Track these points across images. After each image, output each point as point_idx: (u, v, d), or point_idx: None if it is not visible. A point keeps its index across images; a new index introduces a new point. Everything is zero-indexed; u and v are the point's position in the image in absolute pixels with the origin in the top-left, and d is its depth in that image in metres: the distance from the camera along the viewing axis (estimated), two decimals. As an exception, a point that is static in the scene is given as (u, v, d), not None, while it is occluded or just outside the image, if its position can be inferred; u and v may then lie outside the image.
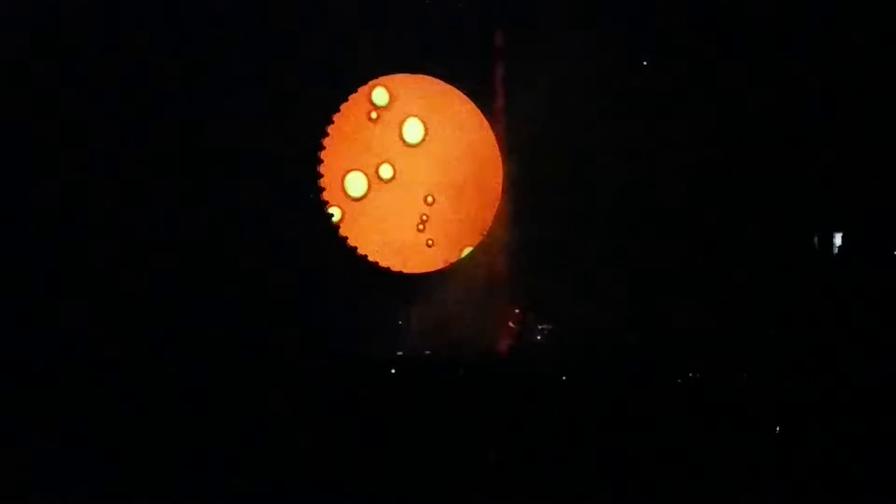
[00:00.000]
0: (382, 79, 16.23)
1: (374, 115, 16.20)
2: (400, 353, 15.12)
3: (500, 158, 16.82)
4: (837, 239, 15.54)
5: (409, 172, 16.44)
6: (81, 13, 13.89)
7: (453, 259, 16.53)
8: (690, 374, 12.68)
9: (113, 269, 13.72)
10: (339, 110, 16.05)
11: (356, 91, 16.14)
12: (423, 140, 16.56)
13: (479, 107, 16.74)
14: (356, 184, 16.16)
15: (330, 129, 15.98)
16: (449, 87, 16.68)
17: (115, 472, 9.85)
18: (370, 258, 16.14)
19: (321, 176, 15.91)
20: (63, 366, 12.15)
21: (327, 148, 15.98)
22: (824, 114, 15.10)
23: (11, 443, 10.36)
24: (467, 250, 16.58)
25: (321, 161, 15.92)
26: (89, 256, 13.63)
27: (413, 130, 16.50)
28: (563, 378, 12.93)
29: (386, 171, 16.30)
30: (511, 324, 15.75)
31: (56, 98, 13.85)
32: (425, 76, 16.55)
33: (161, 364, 11.94)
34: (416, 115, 16.50)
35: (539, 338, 15.89)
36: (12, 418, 10.87)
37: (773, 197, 15.45)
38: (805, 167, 15.29)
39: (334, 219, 15.89)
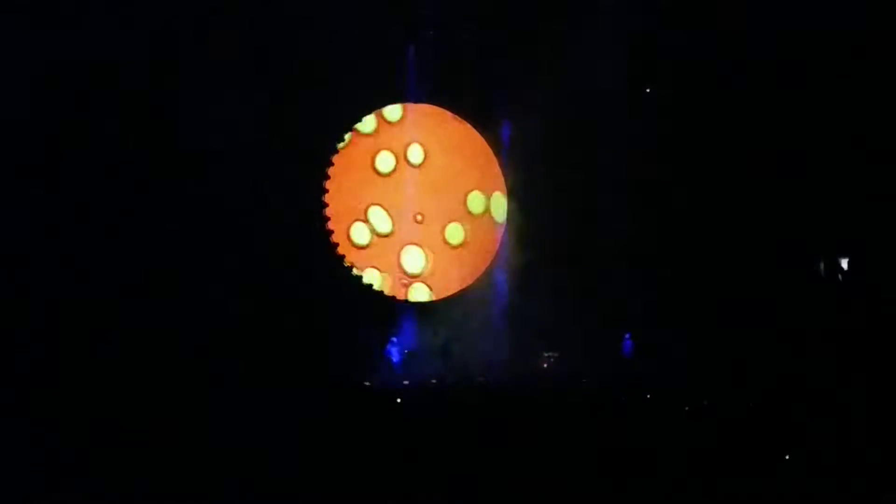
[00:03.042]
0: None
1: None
2: (406, 381, 15.11)
3: (503, 186, 16.93)
4: (842, 265, 15.56)
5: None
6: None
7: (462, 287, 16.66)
8: (698, 401, 12.63)
9: (113, 292, 13.76)
10: (343, 139, 16.18)
11: (360, 120, 16.29)
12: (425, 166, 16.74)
13: (482, 135, 16.90)
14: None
15: (335, 159, 16.10)
16: (453, 116, 16.84)
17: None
18: (375, 287, 16.20)
19: (326, 206, 16.00)
20: (55, 374, 12.26)
21: (332, 178, 16.09)
22: (829, 138, 15.15)
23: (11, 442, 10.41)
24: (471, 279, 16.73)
25: (326, 191, 16.00)
26: (88, 280, 13.68)
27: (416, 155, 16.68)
28: (571, 405, 12.89)
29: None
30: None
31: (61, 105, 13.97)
32: (429, 105, 16.73)
33: (163, 391, 11.93)
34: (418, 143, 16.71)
35: (545, 365, 15.89)
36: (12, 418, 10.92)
37: (778, 224, 15.47)
38: (810, 193, 15.32)
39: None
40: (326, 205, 15.98)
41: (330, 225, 16.02)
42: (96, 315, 13.61)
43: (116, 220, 14.11)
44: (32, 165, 13.77)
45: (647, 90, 16.40)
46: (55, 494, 9.67)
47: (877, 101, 14.82)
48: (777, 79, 15.31)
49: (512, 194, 16.83)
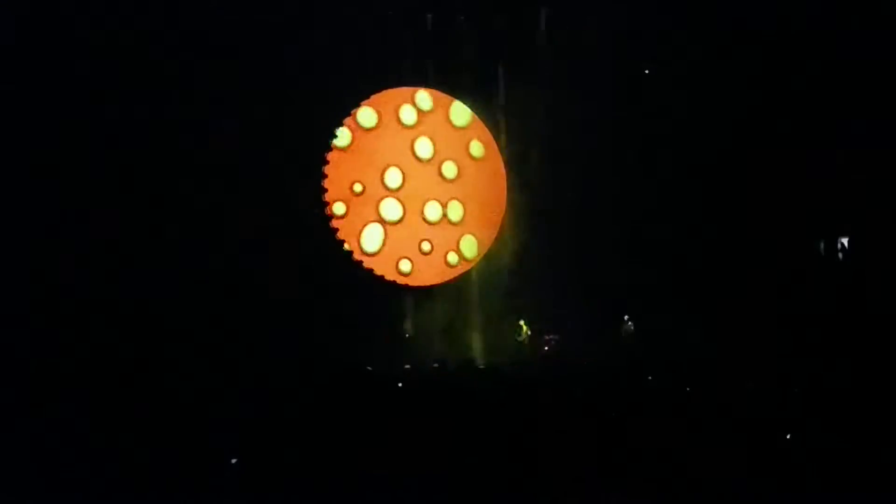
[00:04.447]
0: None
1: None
2: (408, 366, 15.17)
3: (503, 172, 16.96)
4: (843, 244, 15.57)
5: (414, 185, 16.63)
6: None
7: (458, 272, 16.68)
8: (697, 384, 12.66)
9: (114, 281, 13.80)
10: (342, 125, 16.18)
11: (359, 105, 16.29)
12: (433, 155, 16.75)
13: (484, 121, 16.92)
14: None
15: (333, 144, 16.11)
16: (454, 100, 16.84)
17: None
18: (376, 272, 16.23)
19: (325, 190, 16.01)
20: (56, 373, 12.31)
21: (331, 162, 16.10)
22: (828, 120, 15.12)
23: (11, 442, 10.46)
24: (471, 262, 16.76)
25: (325, 176, 16.01)
26: (90, 274, 13.72)
27: (423, 146, 16.67)
28: (570, 387, 12.92)
29: (393, 182, 16.53)
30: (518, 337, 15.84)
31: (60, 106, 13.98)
32: (431, 90, 16.73)
33: (163, 378, 11.98)
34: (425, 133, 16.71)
35: (546, 348, 15.93)
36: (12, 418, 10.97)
37: (777, 205, 15.47)
38: (809, 174, 15.31)
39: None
40: (326, 189, 16.00)
41: (329, 210, 16.04)
42: (94, 308, 13.68)
43: (113, 214, 14.16)
44: (29, 167, 13.81)
45: (647, 71, 16.38)
46: (55, 494, 9.75)
47: (877, 98, 14.83)
48: (778, 72, 15.30)
49: (512, 178, 16.86)
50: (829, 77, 14.95)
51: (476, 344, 15.47)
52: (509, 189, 16.87)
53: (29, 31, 13.82)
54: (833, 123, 14.96)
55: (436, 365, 15.17)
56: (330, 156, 16.07)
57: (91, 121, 14.03)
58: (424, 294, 16.36)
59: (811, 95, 15.09)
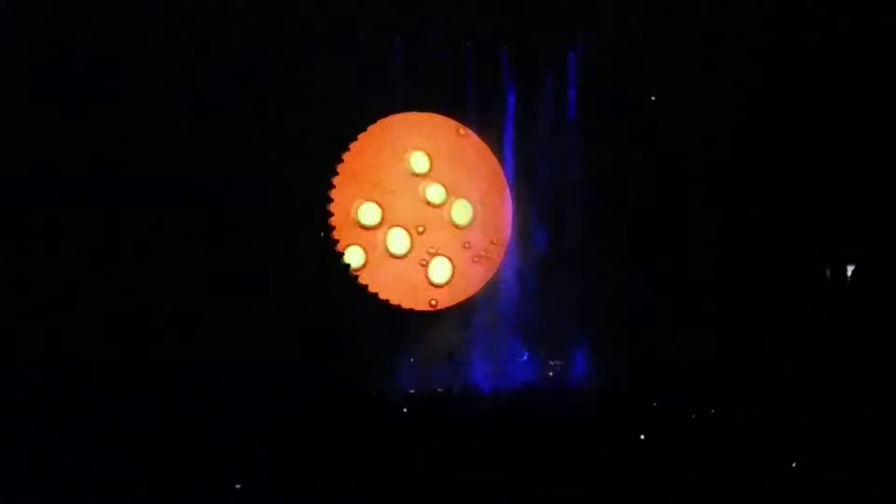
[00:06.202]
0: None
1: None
2: (412, 390, 15.09)
3: (508, 195, 16.94)
4: (849, 270, 15.54)
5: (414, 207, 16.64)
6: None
7: (465, 296, 16.63)
8: (704, 411, 12.60)
9: (126, 306, 13.80)
10: (348, 149, 16.19)
11: (365, 130, 16.29)
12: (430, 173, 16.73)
13: (488, 144, 16.92)
14: (370, 215, 16.30)
15: (340, 168, 16.11)
16: (458, 124, 16.85)
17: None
18: (381, 296, 16.19)
19: (332, 215, 16.00)
20: (55, 375, 12.31)
21: (337, 187, 16.09)
22: (831, 139, 15.15)
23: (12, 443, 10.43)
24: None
25: (331, 200, 16.01)
26: (89, 278, 13.73)
27: (420, 163, 16.67)
28: (575, 413, 12.87)
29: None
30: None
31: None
32: (435, 114, 16.73)
33: (172, 402, 11.93)
34: (423, 150, 16.70)
35: (551, 374, 15.87)
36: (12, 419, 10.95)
37: (783, 226, 15.46)
38: (817, 199, 15.31)
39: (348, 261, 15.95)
40: (332, 214, 15.99)
41: (335, 234, 16.02)
42: (96, 314, 13.66)
43: (118, 221, 14.17)
44: (35, 168, 13.82)
45: (653, 98, 16.40)
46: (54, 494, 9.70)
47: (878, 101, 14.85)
48: (780, 80, 15.32)
49: (517, 202, 16.85)
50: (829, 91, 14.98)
51: (481, 369, 15.40)
52: (515, 213, 16.85)
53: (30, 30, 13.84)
54: (836, 135, 14.96)
55: (440, 390, 15.12)
56: (336, 180, 16.06)
57: (93, 127, 14.07)
58: (429, 318, 16.32)
59: (813, 109, 15.11)
